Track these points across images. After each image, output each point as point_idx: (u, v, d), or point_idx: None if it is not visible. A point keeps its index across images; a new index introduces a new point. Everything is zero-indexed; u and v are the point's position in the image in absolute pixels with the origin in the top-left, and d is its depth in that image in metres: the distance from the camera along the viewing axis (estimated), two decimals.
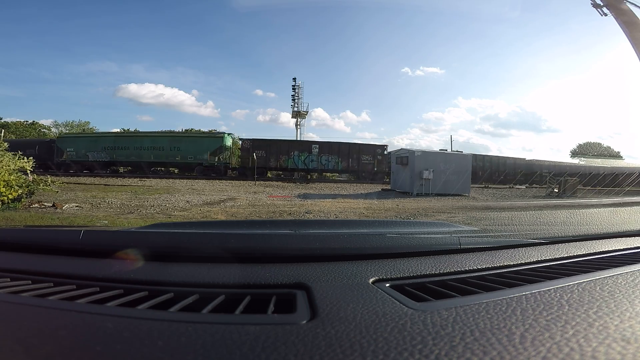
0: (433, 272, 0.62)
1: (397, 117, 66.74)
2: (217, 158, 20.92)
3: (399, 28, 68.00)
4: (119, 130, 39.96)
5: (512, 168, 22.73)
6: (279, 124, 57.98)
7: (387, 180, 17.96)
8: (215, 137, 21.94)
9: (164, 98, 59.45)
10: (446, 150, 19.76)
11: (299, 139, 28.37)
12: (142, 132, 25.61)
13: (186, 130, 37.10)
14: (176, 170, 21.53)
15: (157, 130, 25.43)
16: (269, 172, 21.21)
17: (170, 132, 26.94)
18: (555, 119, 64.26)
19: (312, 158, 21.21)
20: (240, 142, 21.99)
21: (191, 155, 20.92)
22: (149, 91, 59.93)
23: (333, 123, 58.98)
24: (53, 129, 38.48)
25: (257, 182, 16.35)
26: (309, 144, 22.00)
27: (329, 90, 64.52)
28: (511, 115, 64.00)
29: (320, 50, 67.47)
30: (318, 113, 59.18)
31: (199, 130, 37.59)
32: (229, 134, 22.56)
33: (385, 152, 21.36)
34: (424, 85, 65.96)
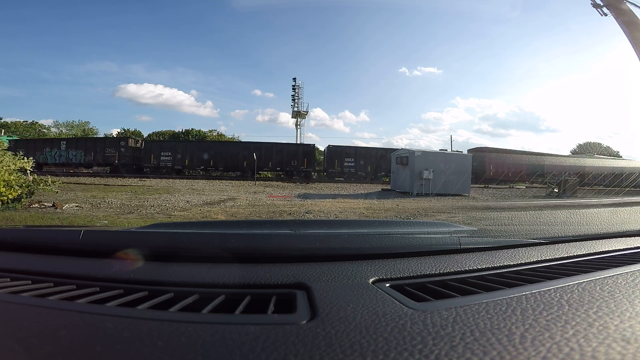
0: (433, 272, 0.62)
1: (396, 117, 66.97)
2: None
3: (397, 28, 68.19)
4: (119, 130, 40.19)
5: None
6: (278, 124, 58.16)
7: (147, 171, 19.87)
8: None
9: (163, 98, 59.64)
10: (446, 150, 19.84)
11: (299, 139, 28.57)
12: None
13: (186, 131, 37.17)
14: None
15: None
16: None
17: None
18: (554, 119, 64.38)
19: (60, 153, 22.99)
20: None
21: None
22: (148, 91, 60.10)
23: (332, 123, 59.13)
24: (53, 129, 38.58)
25: (257, 182, 16.35)
26: (58, 141, 24.36)
27: (328, 91, 64.74)
28: (510, 115, 64.17)
29: (320, 51, 67.67)
30: (317, 113, 59.39)
31: (199, 130, 37.66)
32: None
33: (128, 145, 22.16)
34: (422, 86, 66.18)
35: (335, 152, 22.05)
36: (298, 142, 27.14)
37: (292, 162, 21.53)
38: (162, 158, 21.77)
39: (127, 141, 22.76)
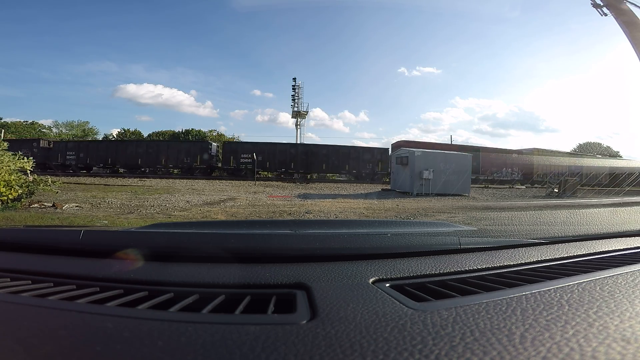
0: (433, 272, 0.62)
1: (396, 117, 67.07)
2: None
3: (396, 28, 68.23)
4: (118, 130, 40.20)
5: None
6: (278, 124, 58.21)
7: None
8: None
9: (163, 98, 59.70)
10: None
11: (299, 139, 28.57)
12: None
13: (186, 131, 37.17)
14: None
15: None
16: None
17: None
18: (553, 119, 64.50)
19: None
20: None
21: None
22: (148, 91, 60.17)
23: (332, 123, 59.19)
24: (53, 129, 38.61)
25: (257, 182, 16.35)
26: None
27: (328, 91, 64.80)
28: (509, 115, 64.28)
29: (319, 51, 67.71)
30: (317, 113, 59.46)
31: (199, 130, 37.67)
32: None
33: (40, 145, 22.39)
34: (421, 86, 66.33)
35: (231, 149, 22.33)
36: (298, 142, 27.12)
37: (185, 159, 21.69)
38: (67, 157, 22.44)
39: (39, 142, 23.34)
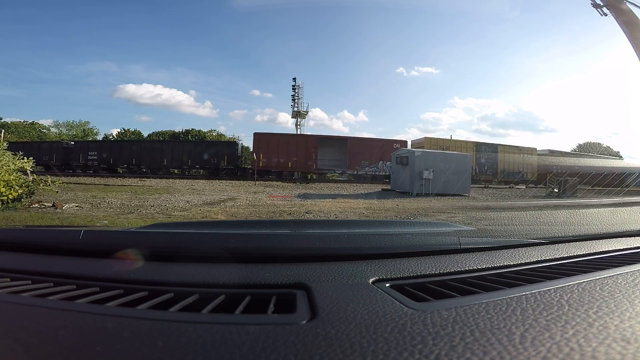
0: (433, 272, 0.62)
1: (395, 118, 67.11)
2: None
3: (395, 28, 68.32)
4: (118, 130, 40.17)
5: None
6: (277, 124, 58.29)
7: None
8: None
9: (162, 98, 59.78)
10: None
11: None
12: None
13: (186, 131, 37.15)
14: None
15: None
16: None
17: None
18: (552, 119, 64.55)
19: None
20: None
21: None
22: (147, 91, 60.31)
23: (331, 123, 59.16)
24: (53, 129, 38.61)
25: (257, 182, 16.35)
26: None
27: (327, 91, 64.84)
28: (508, 115, 64.35)
29: (318, 51, 67.71)
30: (316, 113, 59.46)
31: (199, 130, 37.66)
32: None
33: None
34: (420, 86, 66.40)
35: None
36: None
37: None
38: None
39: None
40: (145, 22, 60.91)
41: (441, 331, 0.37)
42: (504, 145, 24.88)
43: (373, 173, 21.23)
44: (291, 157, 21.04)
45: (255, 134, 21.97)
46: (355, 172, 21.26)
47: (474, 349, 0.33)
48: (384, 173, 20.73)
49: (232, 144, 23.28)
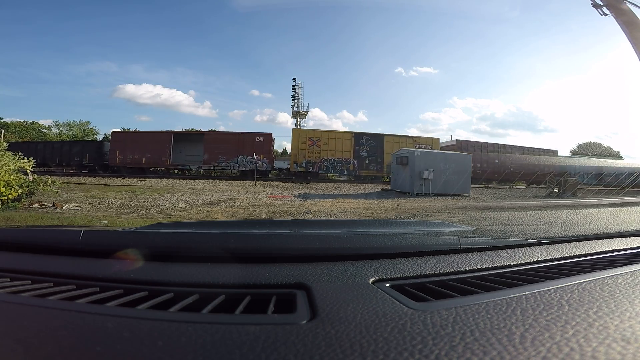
0: (433, 272, 0.62)
1: (394, 118, 67.28)
2: None
3: (393, 28, 68.62)
4: (118, 130, 40.17)
5: None
6: (277, 124, 58.38)
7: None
8: None
9: (161, 98, 60.03)
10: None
11: None
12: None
13: (186, 131, 37.04)
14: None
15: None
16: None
17: None
18: (551, 119, 64.58)
19: None
20: None
21: None
22: (147, 91, 60.56)
23: (331, 123, 59.26)
24: (53, 129, 38.61)
25: (257, 182, 16.35)
26: None
27: (327, 91, 65.17)
28: (508, 115, 64.49)
29: (318, 51, 68.05)
30: (315, 113, 59.61)
31: (200, 130, 37.53)
32: None
33: None
34: (419, 86, 66.69)
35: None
36: None
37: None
38: None
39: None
40: (145, 22, 61.32)
41: (441, 331, 0.37)
42: (392, 135, 22.10)
43: (231, 168, 20.87)
44: (145, 154, 21.11)
45: (113, 133, 23.13)
46: (212, 168, 21.00)
47: (474, 349, 0.33)
48: (244, 168, 20.39)
49: (97, 143, 24.52)
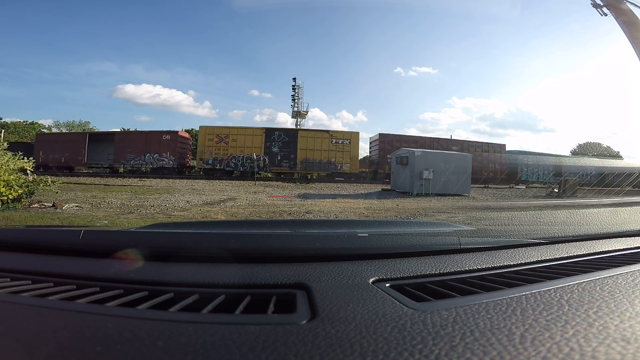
0: (433, 272, 0.62)
1: (394, 118, 67.34)
2: None
3: (393, 28, 68.49)
4: (119, 129, 40.13)
5: None
6: (276, 124, 58.22)
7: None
8: None
9: (161, 98, 60.11)
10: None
11: None
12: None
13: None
14: None
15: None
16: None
17: None
18: (551, 118, 64.61)
19: None
20: None
21: None
22: (146, 91, 60.66)
23: (330, 123, 59.30)
24: (53, 129, 38.62)
25: (257, 182, 16.35)
26: None
27: (326, 91, 65.15)
28: (507, 115, 64.49)
29: (317, 51, 68.12)
30: (315, 113, 59.69)
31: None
32: None
33: None
34: (418, 86, 66.72)
35: None
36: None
37: None
38: None
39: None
40: (145, 22, 61.19)
41: (441, 331, 0.37)
42: (306, 130, 21.61)
43: (140, 166, 21.32)
44: (64, 153, 22.27)
45: (37, 135, 25.42)
46: (122, 166, 21.67)
47: (474, 349, 0.33)
48: (152, 166, 20.87)
49: (26, 144, 23.94)
